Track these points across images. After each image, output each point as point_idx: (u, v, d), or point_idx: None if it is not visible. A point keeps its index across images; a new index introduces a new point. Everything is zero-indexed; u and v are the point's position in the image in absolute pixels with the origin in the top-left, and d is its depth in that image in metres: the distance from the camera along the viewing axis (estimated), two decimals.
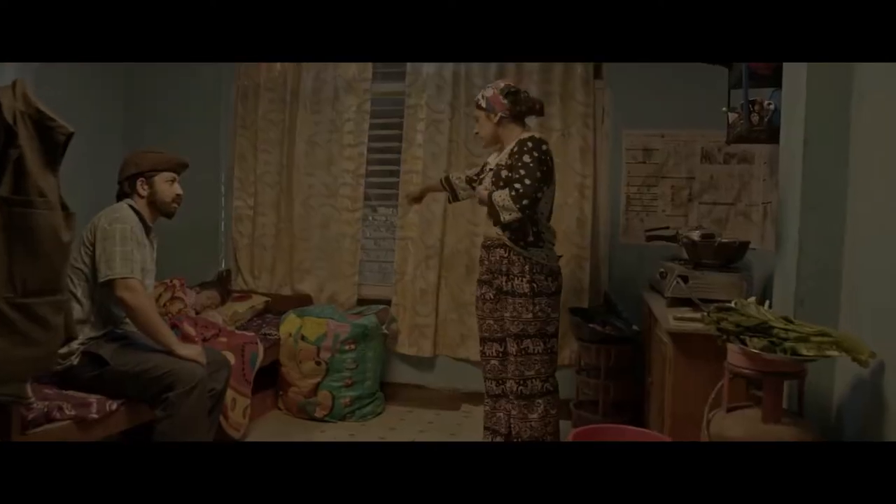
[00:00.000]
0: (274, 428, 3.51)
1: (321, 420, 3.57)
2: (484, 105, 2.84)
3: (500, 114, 2.82)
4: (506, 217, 2.72)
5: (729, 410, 1.87)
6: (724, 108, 2.79)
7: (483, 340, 3.00)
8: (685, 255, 3.00)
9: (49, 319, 1.80)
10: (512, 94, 2.84)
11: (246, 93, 4.19)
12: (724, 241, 2.84)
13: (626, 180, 3.71)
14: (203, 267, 4.21)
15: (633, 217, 3.70)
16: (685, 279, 2.71)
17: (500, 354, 2.93)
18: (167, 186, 2.67)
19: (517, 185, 2.67)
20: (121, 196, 2.68)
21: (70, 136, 1.81)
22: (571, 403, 3.47)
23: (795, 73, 2.11)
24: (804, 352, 1.65)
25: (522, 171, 2.69)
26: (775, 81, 2.56)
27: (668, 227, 3.41)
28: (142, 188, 2.64)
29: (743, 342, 1.79)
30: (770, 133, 2.56)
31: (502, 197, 2.71)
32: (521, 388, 2.81)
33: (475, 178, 3.09)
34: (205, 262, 4.25)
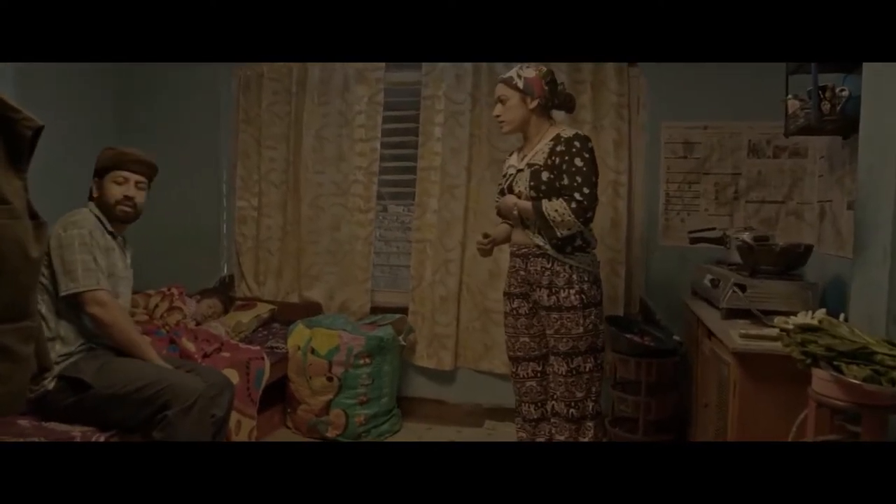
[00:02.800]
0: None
1: (333, 440, 3.27)
2: (521, 86, 2.52)
3: (537, 100, 2.53)
4: (563, 233, 2.45)
5: None
6: (788, 96, 2.49)
7: (516, 360, 2.71)
8: (736, 260, 2.74)
9: (16, 350, 1.49)
10: (553, 83, 2.57)
11: (248, 84, 3.91)
12: (785, 244, 2.58)
13: (664, 177, 3.41)
14: (204, 273, 3.95)
15: (672, 217, 3.40)
16: (742, 288, 2.43)
17: (539, 374, 2.65)
18: (113, 187, 2.38)
19: (578, 196, 2.40)
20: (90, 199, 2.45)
21: (39, 130, 1.50)
22: (606, 421, 3.17)
23: None
24: None
25: (579, 179, 2.41)
26: (846, 65, 2.31)
27: (713, 228, 3.13)
28: (95, 189, 2.41)
29: (837, 369, 1.57)
30: (843, 123, 2.30)
31: (559, 211, 2.41)
32: (571, 410, 2.55)
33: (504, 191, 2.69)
34: (205, 268, 3.98)
